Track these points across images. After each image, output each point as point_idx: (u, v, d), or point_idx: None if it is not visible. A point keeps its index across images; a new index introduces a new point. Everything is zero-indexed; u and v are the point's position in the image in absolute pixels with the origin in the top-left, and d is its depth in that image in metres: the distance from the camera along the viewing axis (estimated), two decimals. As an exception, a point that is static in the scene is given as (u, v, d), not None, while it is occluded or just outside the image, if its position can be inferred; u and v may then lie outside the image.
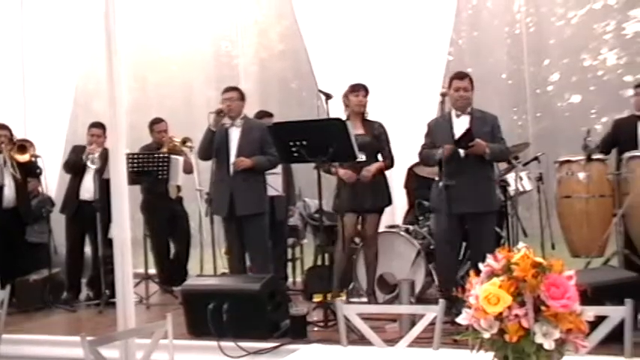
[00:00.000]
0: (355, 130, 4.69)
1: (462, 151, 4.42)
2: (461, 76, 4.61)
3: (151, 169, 5.68)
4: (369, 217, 4.94)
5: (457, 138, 4.39)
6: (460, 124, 4.47)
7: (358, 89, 4.95)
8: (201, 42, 8.41)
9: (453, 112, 4.57)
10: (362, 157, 4.72)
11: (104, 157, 5.32)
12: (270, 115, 6.03)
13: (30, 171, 5.94)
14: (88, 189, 5.79)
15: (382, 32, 6.11)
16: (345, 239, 4.89)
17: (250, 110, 6.11)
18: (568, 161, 5.23)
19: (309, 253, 6.39)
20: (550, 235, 5.45)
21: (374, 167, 4.87)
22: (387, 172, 5.11)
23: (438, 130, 4.62)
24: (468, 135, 4.37)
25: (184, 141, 6.01)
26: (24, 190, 6.00)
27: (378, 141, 4.91)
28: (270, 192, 5.41)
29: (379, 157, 5.01)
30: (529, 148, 6.03)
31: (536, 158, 5.75)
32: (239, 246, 5.09)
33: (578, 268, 4.19)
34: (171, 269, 6.24)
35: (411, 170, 5.79)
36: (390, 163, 4.99)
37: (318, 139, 4.29)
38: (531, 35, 7.20)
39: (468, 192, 4.36)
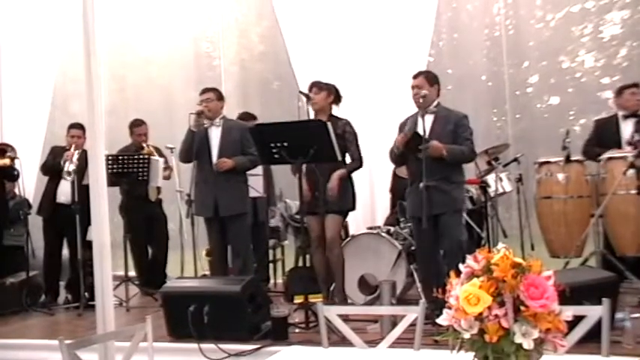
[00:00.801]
0: None
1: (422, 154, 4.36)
2: (414, 75, 4.58)
3: (130, 170, 5.64)
4: (328, 218, 4.78)
5: (405, 142, 4.34)
6: (424, 123, 4.35)
7: (310, 87, 4.87)
8: (182, 42, 8.37)
9: (419, 113, 4.53)
10: None
11: (84, 159, 5.27)
12: (254, 117, 6.03)
13: (7, 174, 5.87)
14: (65, 192, 5.74)
15: (363, 34, 6.14)
16: (314, 241, 4.84)
17: (231, 111, 6.10)
18: (547, 162, 5.28)
19: (291, 254, 6.38)
20: (529, 235, 5.50)
21: (335, 180, 4.71)
22: (365, 174, 5.06)
23: (407, 128, 4.59)
24: (417, 137, 4.27)
25: (157, 150, 5.98)
26: (1, 193, 5.92)
27: (342, 140, 4.72)
28: (252, 193, 5.43)
29: (347, 157, 4.90)
30: (509, 150, 6.08)
31: (515, 159, 5.81)
32: (221, 247, 5.12)
33: (557, 268, 4.23)
34: (150, 272, 6.21)
35: (394, 173, 5.80)
36: (357, 164, 4.85)
37: (299, 141, 4.29)
38: (511, 37, 7.26)
39: (428, 194, 4.24)
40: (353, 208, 4.96)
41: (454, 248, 4.34)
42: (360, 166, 4.90)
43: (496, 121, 7.69)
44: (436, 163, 4.29)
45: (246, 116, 5.97)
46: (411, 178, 4.59)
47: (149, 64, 8.56)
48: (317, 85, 4.89)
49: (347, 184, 4.87)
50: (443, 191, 4.35)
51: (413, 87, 4.50)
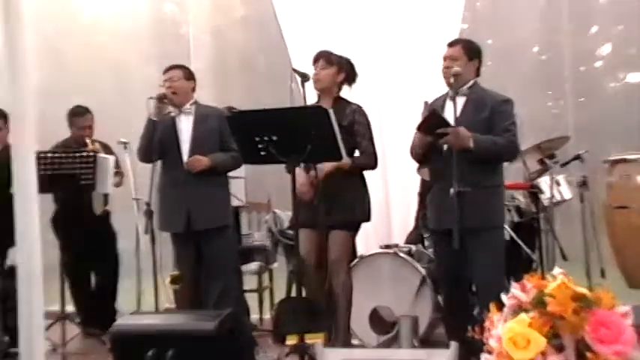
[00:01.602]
0: None
1: (444, 147, 4.32)
2: (450, 42, 4.57)
3: (69, 172, 5.61)
4: (332, 234, 4.76)
5: (419, 123, 4.31)
6: (452, 108, 4.28)
7: (316, 59, 4.88)
8: (137, 4, 8.37)
9: (448, 94, 4.47)
10: None
11: (4, 157, 5.25)
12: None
13: None
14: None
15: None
16: (306, 259, 4.78)
17: (204, 95, 6.08)
18: (623, 160, 5.27)
19: (281, 280, 6.38)
20: (598, 258, 5.49)
21: (327, 166, 4.67)
22: (378, 176, 5.05)
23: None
24: (432, 118, 4.24)
25: (105, 147, 5.95)
26: None
27: (350, 132, 4.74)
28: (232, 201, 5.45)
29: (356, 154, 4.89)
30: (568, 144, 6.08)
31: (578, 157, 5.79)
32: (193, 271, 5.16)
33: (637, 303, 4.19)
34: (94, 306, 6.19)
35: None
36: (368, 160, 4.84)
37: (292, 133, 4.27)
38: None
39: (450, 201, 4.16)
40: (367, 219, 4.92)
41: (490, 276, 4.29)
42: (373, 165, 4.89)
43: (552, 107, 7.71)
44: (465, 160, 4.21)
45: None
46: (433, 178, 4.58)
47: (94, 33, 8.56)
48: (325, 57, 4.88)
49: (358, 186, 4.87)
50: (474, 200, 4.21)
51: (445, 58, 4.48)
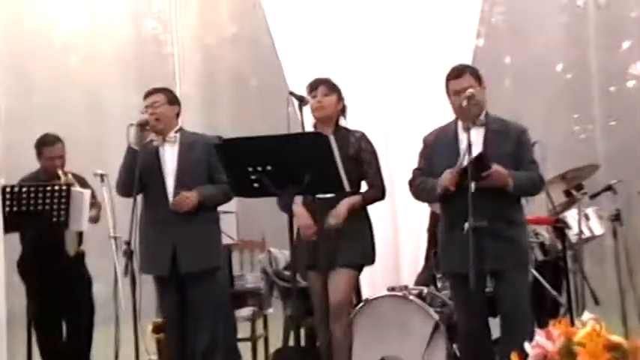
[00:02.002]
0: None
1: (472, 184, 4.39)
2: (456, 74, 4.59)
3: (39, 208, 5.61)
4: (334, 275, 4.75)
5: (464, 166, 4.35)
6: (468, 139, 4.33)
7: (315, 86, 4.92)
8: (116, 22, 8.41)
9: (460, 124, 4.54)
10: None
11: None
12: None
13: None
14: None
15: (381, 6, 6.19)
16: (319, 310, 4.81)
17: (191, 121, 6.10)
18: (662, 191, 5.27)
19: (277, 328, 6.34)
20: (635, 301, 5.47)
21: (344, 206, 4.74)
22: (386, 210, 5.05)
23: (438, 149, 4.62)
24: (480, 162, 4.32)
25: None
26: None
27: (356, 162, 4.81)
28: (222, 239, 5.44)
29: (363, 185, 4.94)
30: (598, 173, 6.07)
31: (609, 188, 5.79)
32: (178, 318, 5.13)
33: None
34: (66, 359, 6.14)
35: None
36: (377, 193, 4.91)
37: (289, 163, 4.27)
38: (602, 6, 7.28)
39: (480, 242, 4.25)
40: (372, 260, 4.96)
41: (518, 321, 4.33)
42: (382, 196, 4.95)
43: (579, 132, 7.71)
44: (486, 195, 4.28)
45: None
46: (449, 218, 4.56)
47: (67, 53, 8.60)
48: (326, 84, 4.95)
49: (363, 222, 4.89)
50: (500, 236, 4.35)
51: (457, 92, 4.51)
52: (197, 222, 5.08)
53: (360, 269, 4.98)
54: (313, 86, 4.96)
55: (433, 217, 5.88)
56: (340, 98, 4.98)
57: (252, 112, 8.42)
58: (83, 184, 6.10)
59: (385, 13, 6.18)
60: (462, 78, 4.55)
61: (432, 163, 4.63)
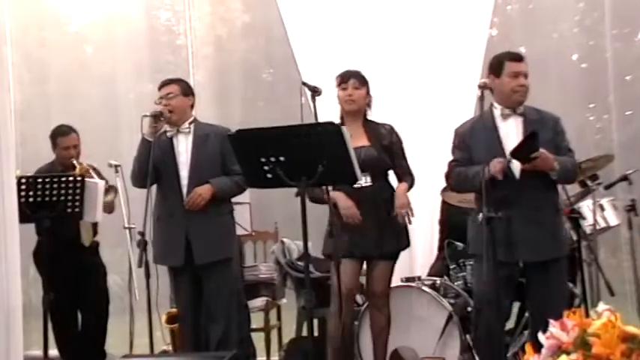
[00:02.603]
0: (355, 139, 4.68)
1: (516, 170, 4.39)
2: (518, 57, 4.67)
3: (54, 199, 5.63)
4: (379, 265, 4.96)
5: (515, 147, 4.38)
6: (510, 130, 4.47)
7: (346, 79, 5.01)
8: (129, 12, 8.42)
9: (497, 112, 4.56)
10: (366, 179, 4.79)
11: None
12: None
13: None
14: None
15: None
16: (342, 298, 4.85)
17: (204, 112, 6.10)
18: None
19: (291, 318, 6.38)
20: (651, 292, 5.45)
21: (404, 196, 4.93)
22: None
23: (476, 138, 4.62)
24: (532, 141, 4.34)
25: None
26: None
27: (389, 154, 4.96)
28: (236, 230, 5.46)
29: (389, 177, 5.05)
30: (613, 164, 6.04)
31: (625, 178, 5.77)
32: (193, 309, 5.18)
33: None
34: (81, 349, 6.18)
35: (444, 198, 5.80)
36: (411, 181, 5.06)
37: (302, 154, 4.28)
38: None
39: (524, 230, 4.36)
40: (408, 244, 5.12)
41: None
42: (413, 184, 5.08)
43: (594, 121, 7.68)
44: (527, 182, 4.38)
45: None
46: (495, 206, 4.46)
47: (81, 44, 8.62)
48: (357, 76, 5.02)
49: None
50: (544, 225, 4.45)
51: (517, 74, 4.54)
52: (211, 213, 5.10)
53: (396, 259, 5.10)
54: (344, 78, 5.02)
55: (445, 208, 5.88)
56: (368, 91, 5.07)
57: (265, 103, 8.44)
58: (98, 174, 6.11)
59: (398, 4, 6.16)
60: (522, 62, 4.61)
61: (471, 152, 4.63)
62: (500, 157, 4.39)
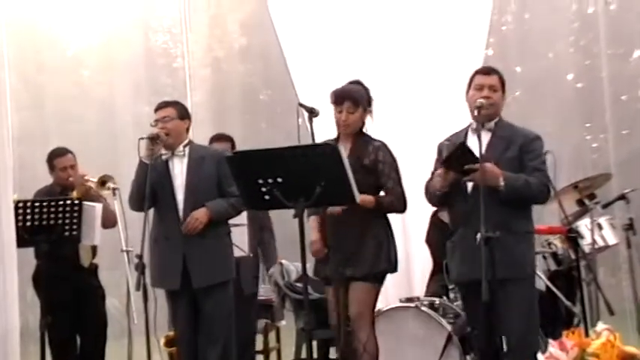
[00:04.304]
0: None
1: (469, 185, 4.36)
2: (486, 70, 4.63)
3: (53, 222, 5.63)
4: (353, 287, 4.73)
5: (445, 156, 4.35)
6: (476, 144, 4.30)
7: (340, 101, 4.85)
8: (127, 34, 8.44)
9: (471, 127, 4.52)
10: None
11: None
12: (229, 139, 6.03)
13: None
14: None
15: (390, 18, 6.19)
16: (338, 324, 4.77)
17: (202, 134, 6.09)
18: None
19: (290, 340, 6.35)
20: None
21: (362, 199, 4.51)
22: (397, 221, 5.02)
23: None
24: (460, 152, 4.28)
25: (103, 181, 5.95)
26: None
27: (372, 173, 4.76)
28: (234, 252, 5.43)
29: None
30: (611, 182, 6.04)
31: (622, 197, 5.76)
32: (191, 332, 5.15)
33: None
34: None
35: (434, 217, 5.80)
36: (395, 202, 4.81)
37: (300, 175, 4.27)
38: (612, 15, 7.25)
39: (477, 249, 4.17)
40: (394, 269, 4.87)
41: (521, 333, 4.28)
42: (402, 208, 4.87)
43: (590, 141, 7.68)
44: (493, 202, 4.22)
45: (218, 138, 5.96)
46: (455, 223, 4.57)
47: (79, 67, 8.63)
48: (351, 99, 4.84)
49: (381, 230, 4.84)
50: (503, 247, 4.21)
51: (482, 87, 4.51)
52: (207, 236, 5.08)
53: (380, 281, 4.87)
54: (338, 100, 4.86)
55: (433, 225, 5.86)
56: (365, 110, 4.90)
57: (263, 124, 8.44)
58: (95, 196, 6.07)
59: (395, 24, 6.18)
60: (489, 76, 4.55)
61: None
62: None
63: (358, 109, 4.88)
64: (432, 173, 4.65)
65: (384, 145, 4.88)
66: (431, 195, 4.64)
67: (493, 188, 4.25)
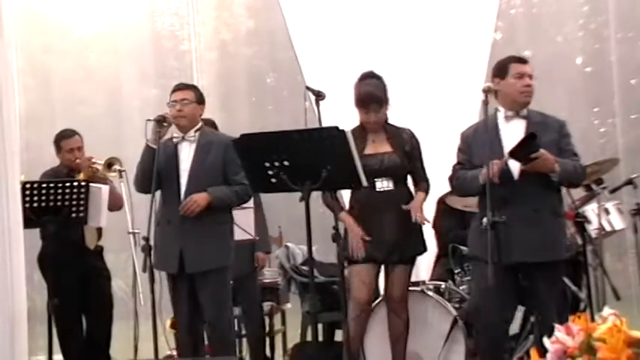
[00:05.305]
0: (378, 145, 4.78)
1: (515, 171, 4.40)
2: (522, 60, 4.69)
3: (59, 204, 5.64)
4: (397, 270, 4.94)
5: (513, 147, 4.38)
6: (512, 132, 4.45)
7: (367, 104, 4.96)
8: (133, 17, 8.43)
9: (501, 115, 4.56)
10: (388, 184, 4.85)
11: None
12: (212, 123, 5.96)
13: None
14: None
15: (398, 1, 6.17)
16: (360, 305, 4.90)
17: (209, 117, 6.07)
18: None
19: (295, 323, 6.37)
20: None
21: (419, 203, 4.94)
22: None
23: (478, 141, 4.62)
24: (531, 142, 4.34)
25: (110, 163, 5.96)
26: None
27: (409, 159, 4.96)
28: (239, 235, 5.42)
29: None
30: (619, 167, 6.03)
31: (630, 182, 5.75)
32: (191, 315, 5.14)
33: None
34: (86, 354, 6.17)
35: (441, 202, 5.80)
36: (426, 188, 5.05)
37: (306, 158, 4.28)
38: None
39: (525, 232, 4.34)
40: (424, 249, 5.11)
41: (553, 318, 4.24)
42: (428, 189, 5.07)
43: (598, 125, 7.67)
44: (526, 183, 4.38)
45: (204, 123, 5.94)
46: (482, 208, 4.53)
47: (85, 50, 8.63)
48: (376, 101, 4.95)
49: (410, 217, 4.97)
50: (541, 227, 4.41)
51: (522, 75, 4.56)
52: (206, 222, 5.04)
53: (413, 263, 5.09)
54: (364, 104, 4.96)
55: (440, 210, 5.86)
56: (388, 102, 5.02)
57: (270, 107, 8.43)
58: (102, 178, 6.07)
59: (403, 8, 6.16)
60: (526, 64, 4.61)
61: (473, 154, 4.63)
62: (500, 159, 4.39)
63: (383, 107, 5.00)
64: (457, 164, 4.73)
65: (413, 133, 5.07)
66: (466, 185, 4.65)
67: (545, 174, 4.37)
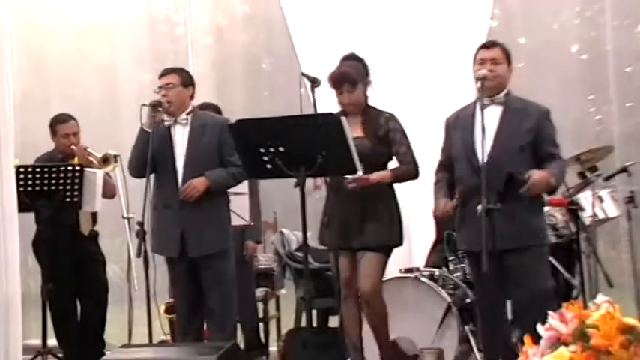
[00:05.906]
0: (351, 130, 4.57)
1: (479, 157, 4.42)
2: (488, 44, 4.68)
3: (54, 188, 5.64)
4: (364, 259, 4.83)
5: (501, 194, 4.34)
6: (487, 119, 4.37)
7: (339, 84, 4.91)
8: (129, 2, 8.40)
9: (479, 102, 4.50)
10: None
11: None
12: (215, 107, 5.99)
13: None
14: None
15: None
16: (343, 288, 4.88)
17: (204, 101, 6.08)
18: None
19: (290, 308, 6.39)
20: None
21: (375, 175, 4.77)
22: (398, 191, 5.03)
23: (457, 127, 4.66)
24: (511, 182, 4.31)
25: (105, 159, 5.94)
26: None
27: (385, 144, 4.88)
28: (234, 221, 5.44)
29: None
30: (613, 155, 6.05)
31: (624, 170, 5.77)
32: (190, 299, 5.18)
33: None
34: (80, 339, 6.19)
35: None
36: (409, 169, 4.92)
37: (301, 144, 4.29)
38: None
39: (504, 220, 4.28)
40: (400, 242, 4.97)
41: (533, 302, 4.31)
42: (415, 174, 4.96)
43: (594, 113, 7.67)
44: (500, 175, 4.30)
45: (205, 108, 5.94)
46: (464, 196, 4.59)
47: (80, 34, 8.60)
48: (349, 80, 4.91)
49: (390, 203, 4.92)
50: (517, 217, 4.37)
51: (484, 60, 4.55)
52: (205, 206, 5.09)
53: (388, 253, 4.96)
54: (336, 85, 4.93)
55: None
56: (366, 84, 4.97)
57: (265, 93, 8.42)
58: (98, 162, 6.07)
59: (400, 4, 6.15)
60: (490, 49, 4.60)
61: (451, 143, 4.67)
62: (470, 149, 4.44)
63: (357, 87, 4.94)
64: (439, 161, 4.78)
65: (394, 116, 4.98)
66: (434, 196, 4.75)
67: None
